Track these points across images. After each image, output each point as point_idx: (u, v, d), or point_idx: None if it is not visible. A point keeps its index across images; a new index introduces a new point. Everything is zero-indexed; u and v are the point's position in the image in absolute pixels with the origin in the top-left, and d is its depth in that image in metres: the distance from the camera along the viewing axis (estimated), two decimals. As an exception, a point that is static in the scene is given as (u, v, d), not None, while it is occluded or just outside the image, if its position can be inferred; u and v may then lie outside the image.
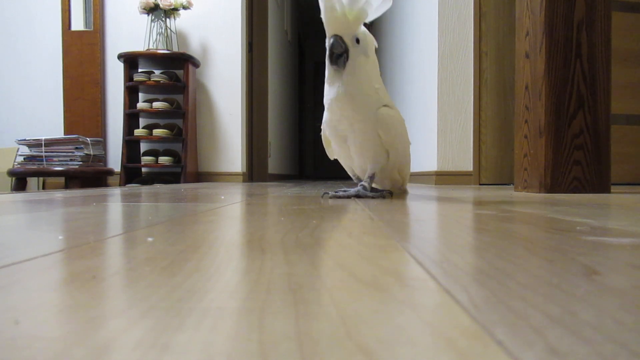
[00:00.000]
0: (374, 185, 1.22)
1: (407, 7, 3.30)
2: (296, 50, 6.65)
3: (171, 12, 3.21)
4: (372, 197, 1.12)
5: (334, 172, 7.54)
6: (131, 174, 3.19)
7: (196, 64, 3.32)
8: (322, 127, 1.20)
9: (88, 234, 0.49)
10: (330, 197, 1.15)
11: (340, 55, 1.04)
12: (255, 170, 3.90)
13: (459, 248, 0.39)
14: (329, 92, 1.09)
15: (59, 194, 1.42)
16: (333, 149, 1.23)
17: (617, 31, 1.81)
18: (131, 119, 3.20)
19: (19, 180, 2.97)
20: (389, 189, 1.23)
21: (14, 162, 2.96)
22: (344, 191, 1.17)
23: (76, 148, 2.91)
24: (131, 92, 3.22)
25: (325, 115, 1.14)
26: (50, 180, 3.31)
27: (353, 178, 1.29)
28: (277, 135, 4.69)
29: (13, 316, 0.21)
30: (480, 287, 0.26)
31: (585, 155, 1.42)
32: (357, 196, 1.14)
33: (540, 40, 1.44)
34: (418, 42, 2.98)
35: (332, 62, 1.05)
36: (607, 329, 0.19)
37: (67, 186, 2.95)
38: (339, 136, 1.15)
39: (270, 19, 4.18)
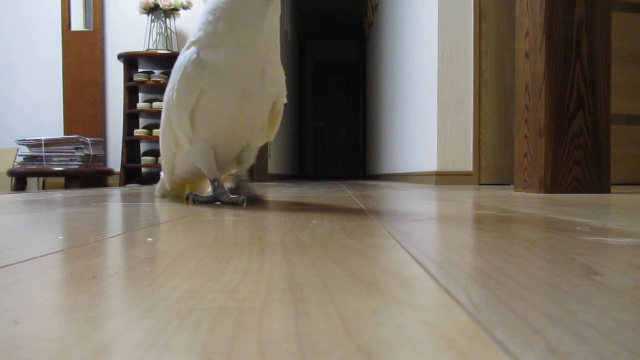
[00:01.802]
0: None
1: (407, 7, 3.30)
2: (296, 50, 6.65)
3: (171, 12, 3.21)
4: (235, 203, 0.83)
5: (335, 173, 7.55)
6: (131, 174, 3.19)
7: (196, 64, 3.31)
8: (196, 61, 0.77)
9: (88, 234, 0.49)
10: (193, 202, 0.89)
11: None
12: (255, 170, 3.90)
13: (459, 248, 0.39)
14: (249, 15, 0.75)
15: (58, 194, 1.42)
16: (210, 111, 0.81)
17: (617, 31, 1.81)
18: (131, 119, 3.20)
19: (19, 180, 2.97)
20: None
21: (14, 162, 2.96)
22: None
23: (76, 148, 2.91)
24: (131, 92, 3.22)
25: (234, 51, 0.76)
26: (50, 180, 3.31)
27: (211, 173, 0.89)
28: (277, 135, 4.69)
29: (13, 316, 0.21)
30: (480, 287, 0.26)
31: (585, 155, 1.42)
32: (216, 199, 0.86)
33: (540, 40, 1.44)
34: (418, 42, 2.98)
35: None
36: (607, 329, 0.19)
37: (66, 186, 2.95)
38: (240, 89, 0.79)
39: (270, 19, 4.18)
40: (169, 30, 3.25)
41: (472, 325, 0.19)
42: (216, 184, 0.85)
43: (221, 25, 0.76)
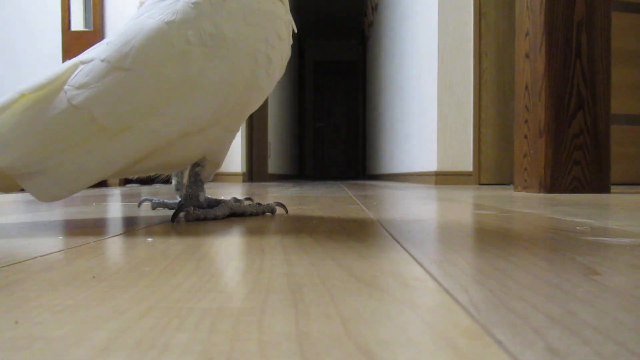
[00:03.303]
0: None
1: (407, 7, 3.30)
2: (296, 50, 6.65)
3: (171, 12, 3.21)
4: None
5: (335, 173, 7.55)
6: (131, 174, 3.19)
7: (196, 64, 3.31)
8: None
9: (88, 234, 0.49)
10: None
11: None
12: (255, 170, 3.90)
13: (459, 248, 0.39)
14: None
15: (59, 194, 1.42)
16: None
17: (617, 31, 1.81)
18: (131, 119, 3.20)
19: (19, 180, 2.97)
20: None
21: (14, 162, 2.96)
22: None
23: (76, 148, 2.91)
24: (131, 92, 3.22)
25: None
26: (50, 180, 3.31)
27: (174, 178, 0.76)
28: (277, 135, 4.69)
29: (13, 316, 0.21)
30: (480, 287, 0.26)
31: (585, 155, 1.42)
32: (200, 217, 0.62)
33: (540, 40, 1.44)
34: (418, 42, 2.98)
35: None
36: (607, 329, 0.19)
37: (67, 186, 2.95)
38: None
39: (270, 19, 4.17)
40: (169, 30, 3.25)
41: (472, 325, 0.19)
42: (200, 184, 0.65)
43: None
